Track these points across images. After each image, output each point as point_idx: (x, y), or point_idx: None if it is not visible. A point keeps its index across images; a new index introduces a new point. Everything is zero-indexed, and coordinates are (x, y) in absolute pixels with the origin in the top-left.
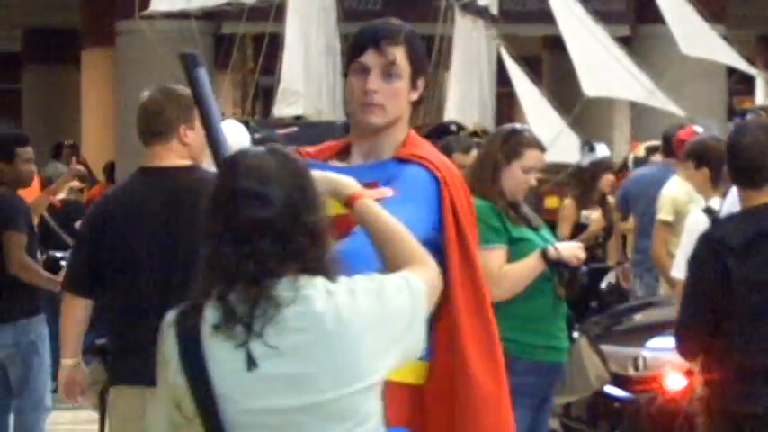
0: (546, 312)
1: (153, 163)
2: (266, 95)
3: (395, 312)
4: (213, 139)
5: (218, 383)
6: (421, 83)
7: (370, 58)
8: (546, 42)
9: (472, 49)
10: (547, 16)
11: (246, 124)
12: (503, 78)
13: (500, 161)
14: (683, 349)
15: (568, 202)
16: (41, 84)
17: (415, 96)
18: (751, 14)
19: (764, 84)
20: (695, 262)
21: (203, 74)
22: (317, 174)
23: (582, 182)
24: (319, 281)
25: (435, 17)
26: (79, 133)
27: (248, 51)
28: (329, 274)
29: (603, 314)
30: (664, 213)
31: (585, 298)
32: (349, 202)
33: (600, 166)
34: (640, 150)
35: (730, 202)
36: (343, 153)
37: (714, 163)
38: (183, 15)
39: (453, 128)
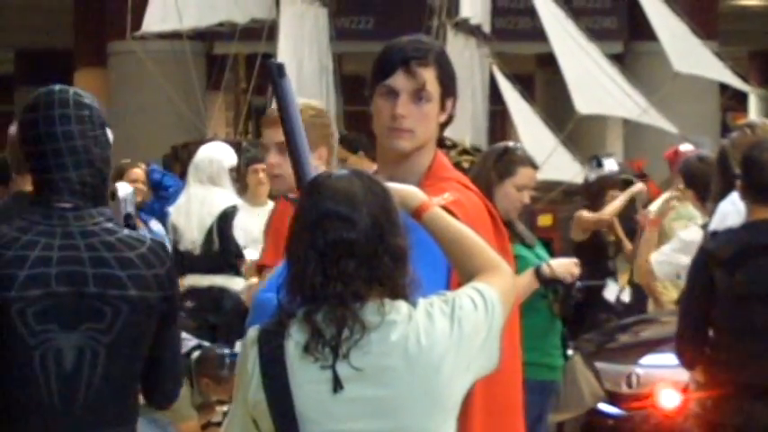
0: (540, 330)
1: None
2: (259, 115)
3: (471, 331)
4: (296, 156)
5: (301, 404)
6: (450, 104)
7: (399, 80)
8: (538, 60)
9: (465, 68)
10: (539, 34)
11: (239, 144)
12: (495, 96)
13: (493, 179)
14: (682, 359)
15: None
16: None
17: (443, 118)
18: (743, 30)
19: (758, 100)
20: (691, 273)
21: (289, 84)
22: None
23: (590, 196)
24: (402, 305)
25: (428, 35)
26: None
27: (241, 71)
28: (410, 297)
29: (596, 331)
30: None
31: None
32: (417, 213)
33: (607, 181)
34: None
35: (717, 220)
36: None
37: (700, 184)
38: (175, 36)
39: (448, 143)
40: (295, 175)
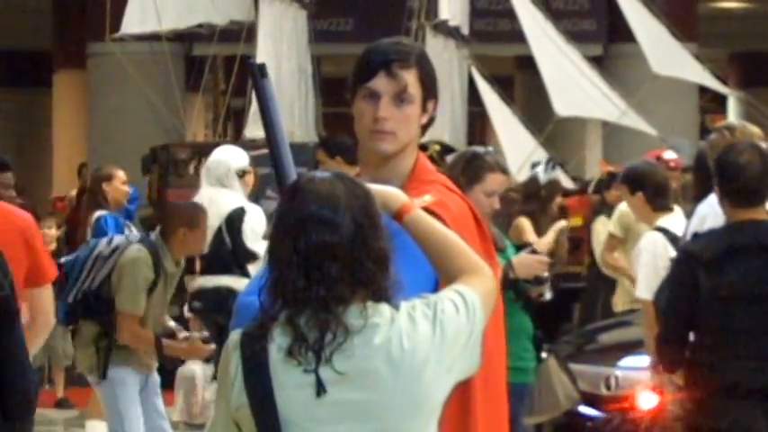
0: (510, 333)
1: None
2: (238, 117)
3: (453, 335)
4: (277, 157)
5: (284, 408)
6: (431, 105)
7: (381, 83)
8: (517, 62)
9: (444, 70)
10: (518, 36)
11: (218, 146)
12: (474, 98)
13: (462, 185)
14: (664, 362)
15: (523, 220)
16: (13, 106)
17: (425, 119)
18: (722, 33)
19: (737, 102)
20: (673, 274)
21: (270, 85)
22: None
23: (537, 199)
24: (385, 308)
25: (407, 37)
26: (51, 155)
27: (219, 73)
28: (392, 300)
29: (575, 333)
30: (613, 227)
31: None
32: (398, 215)
33: (557, 186)
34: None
35: (696, 222)
36: None
37: (649, 187)
38: (154, 37)
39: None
40: (276, 177)
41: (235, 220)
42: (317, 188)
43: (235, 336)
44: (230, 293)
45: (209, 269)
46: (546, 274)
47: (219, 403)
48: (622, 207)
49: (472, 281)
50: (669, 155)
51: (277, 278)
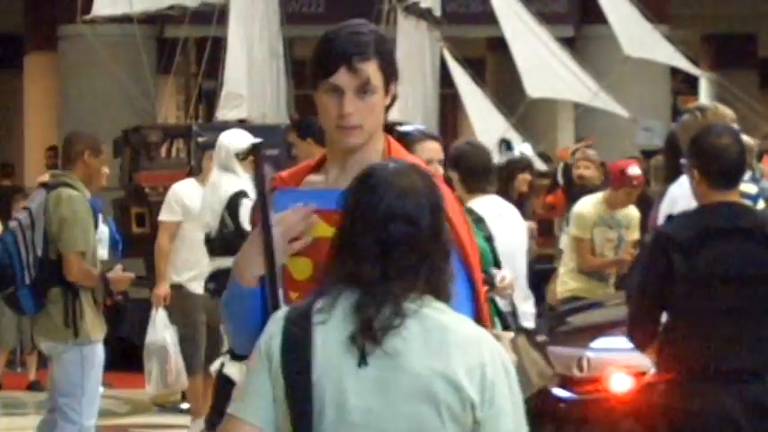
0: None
1: None
2: (209, 99)
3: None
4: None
5: (321, 379)
6: (393, 87)
7: (342, 78)
8: (489, 44)
9: (415, 51)
10: (490, 18)
11: (190, 128)
12: (446, 80)
13: None
14: (636, 341)
15: None
16: None
17: (388, 101)
18: (694, 14)
19: (709, 84)
20: (647, 256)
21: (269, 170)
22: None
23: (499, 180)
24: (433, 300)
25: (378, 19)
26: (22, 138)
27: (191, 55)
28: (449, 294)
29: (547, 315)
30: (575, 230)
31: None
32: None
33: (517, 165)
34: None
35: (667, 204)
36: (320, 166)
37: (463, 168)
38: (125, 19)
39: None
40: (265, 265)
41: (233, 204)
42: (398, 182)
43: (282, 311)
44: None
45: (212, 252)
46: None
47: (258, 372)
48: (576, 209)
49: None
50: (633, 170)
51: (351, 267)
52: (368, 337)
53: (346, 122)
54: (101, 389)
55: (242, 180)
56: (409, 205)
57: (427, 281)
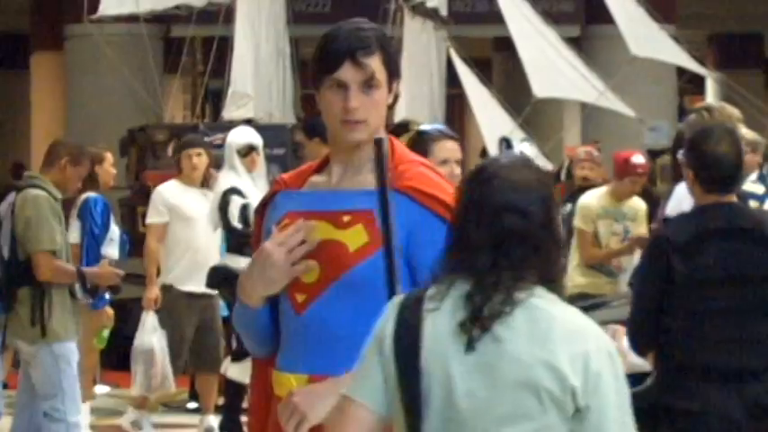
0: None
1: None
2: (216, 98)
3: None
4: (387, 233)
5: (428, 361)
6: (396, 84)
7: (347, 73)
8: (495, 44)
9: (422, 51)
10: (496, 17)
11: (196, 127)
12: (452, 80)
13: None
14: (635, 345)
15: None
16: None
17: (391, 99)
18: (701, 14)
19: (715, 83)
20: (646, 258)
21: (387, 162)
22: None
23: None
24: (543, 291)
25: (385, 19)
26: (29, 137)
27: (198, 54)
28: (560, 283)
29: None
30: (579, 222)
31: None
32: None
33: None
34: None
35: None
36: (322, 167)
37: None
38: (132, 19)
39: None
40: (385, 246)
41: (223, 202)
42: (511, 176)
43: (398, 297)
44: (227, 271)
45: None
46: None
47: (371, 354)
48: (581, 201)
49: None
50: (637, 159)
51: (464, 258)
52: (477, 323)
53: (351, 117)
54: (105, 388)
55: (241, 178)
56: (522, 198)
57: (538, 272)
